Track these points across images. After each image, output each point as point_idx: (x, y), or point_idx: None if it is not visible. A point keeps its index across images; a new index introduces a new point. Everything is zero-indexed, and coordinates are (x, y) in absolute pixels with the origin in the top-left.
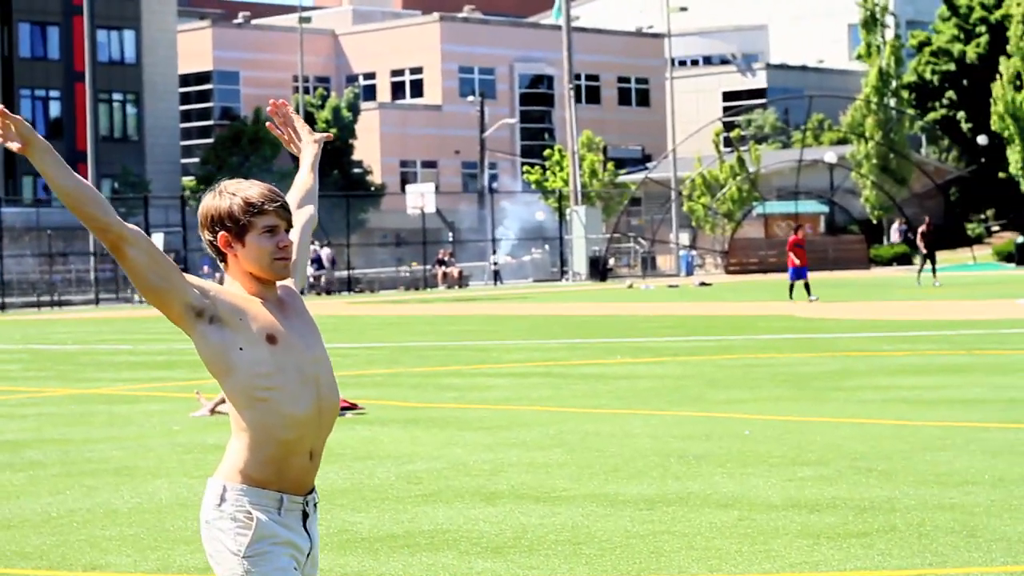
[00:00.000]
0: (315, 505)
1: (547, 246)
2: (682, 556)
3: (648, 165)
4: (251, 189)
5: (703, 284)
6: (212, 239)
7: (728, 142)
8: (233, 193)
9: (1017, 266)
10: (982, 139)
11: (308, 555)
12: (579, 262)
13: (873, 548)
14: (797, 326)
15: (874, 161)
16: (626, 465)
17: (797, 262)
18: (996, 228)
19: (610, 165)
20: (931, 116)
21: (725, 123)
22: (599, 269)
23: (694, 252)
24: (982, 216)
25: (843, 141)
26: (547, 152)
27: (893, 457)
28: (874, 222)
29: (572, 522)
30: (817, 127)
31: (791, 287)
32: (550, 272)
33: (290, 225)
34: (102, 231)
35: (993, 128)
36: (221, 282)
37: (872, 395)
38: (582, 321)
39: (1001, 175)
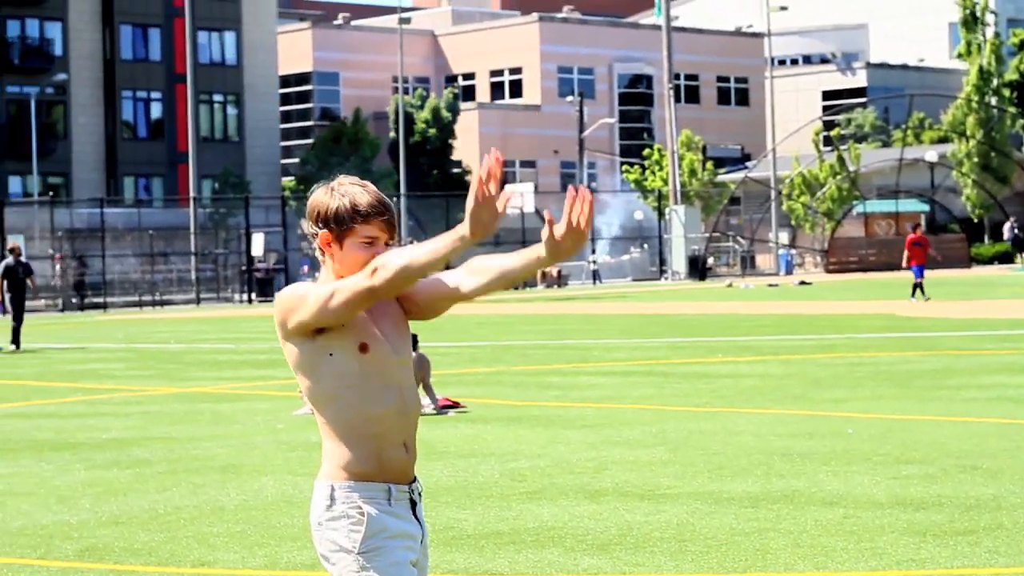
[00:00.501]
0: (420, 494)
1: (646, 245)
2: (788, 553)
3: (747, 164)
4: (362, 195)
5: (803, 283)
6: (315, 233)
7: (828, 141)
8: (343, 194)
9: None
10: None
11: (421, 542)
12: (678, 261)
13: (980, 546)
14: (899, 325)
15: (975, 160)
16: (730, 463)
17: (910, 261)
18: None
19: (709, 164)
20: None
21: (825, 122)
22: (698, 268)
23: (793, 251)
24: None
25: (944, 140)
26: (646, 151)
27: (999, 456)
28: (975, 221)
29: (677, 519)
30: (917, 126)
31: (917, 286)
32: (649, 271)
33: (392, 239)
34: (409, 282)
35: None
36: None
37: (976, 394)
38: (682, 320)
39: None
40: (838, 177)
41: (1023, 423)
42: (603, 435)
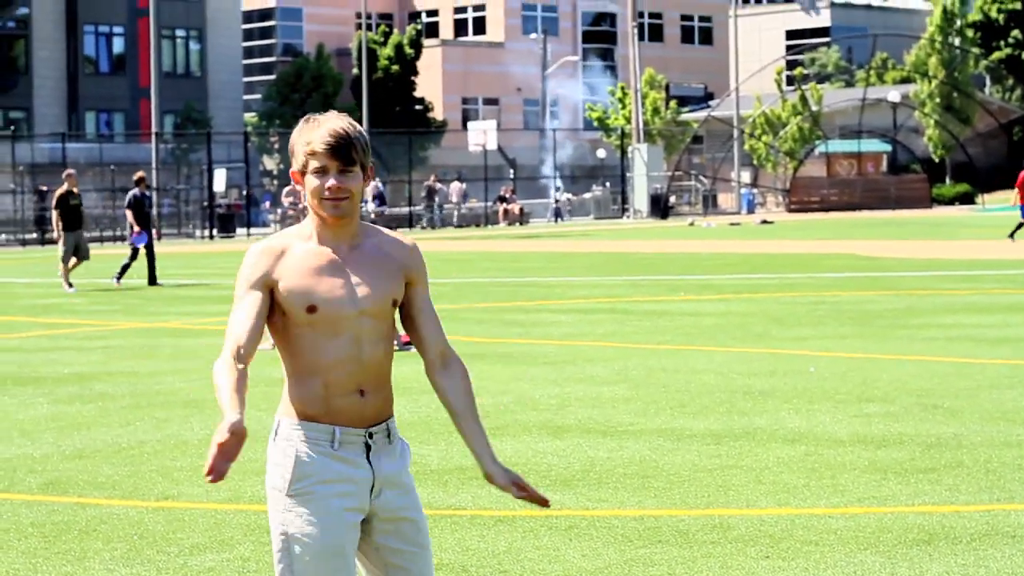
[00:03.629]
0: (388, 435)
1: (608, 184)
2: (750, 490)
3: (710, 103)
4: (318, 129)
5: (765, 222)
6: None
7: (791, 81)
8: (303, 131)
9: None
10: None
11: (373, 488)
12: (640, 200)
13: (941, 484)
14: (860, 265)
15: (937, 100)
16: (692, 401)
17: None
18: None
19: (672, 103)
20: (996, 55)
21: (788, 62)
22: (660, 207)
23: (755, 190)
24: None
25: (907, 80)
26: (610, 90)
27: (959, 395)
28: (936, 161)
29: (639, 456)
30: (881, 66)
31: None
32: (611, 210)
33: (347, 168)
34: None
35: None
36: (290, 216)
37: (937, 333)
38: (644, 258)
39: None
40: (800, 117)
41: (983, 362)
42: (565, 372)
